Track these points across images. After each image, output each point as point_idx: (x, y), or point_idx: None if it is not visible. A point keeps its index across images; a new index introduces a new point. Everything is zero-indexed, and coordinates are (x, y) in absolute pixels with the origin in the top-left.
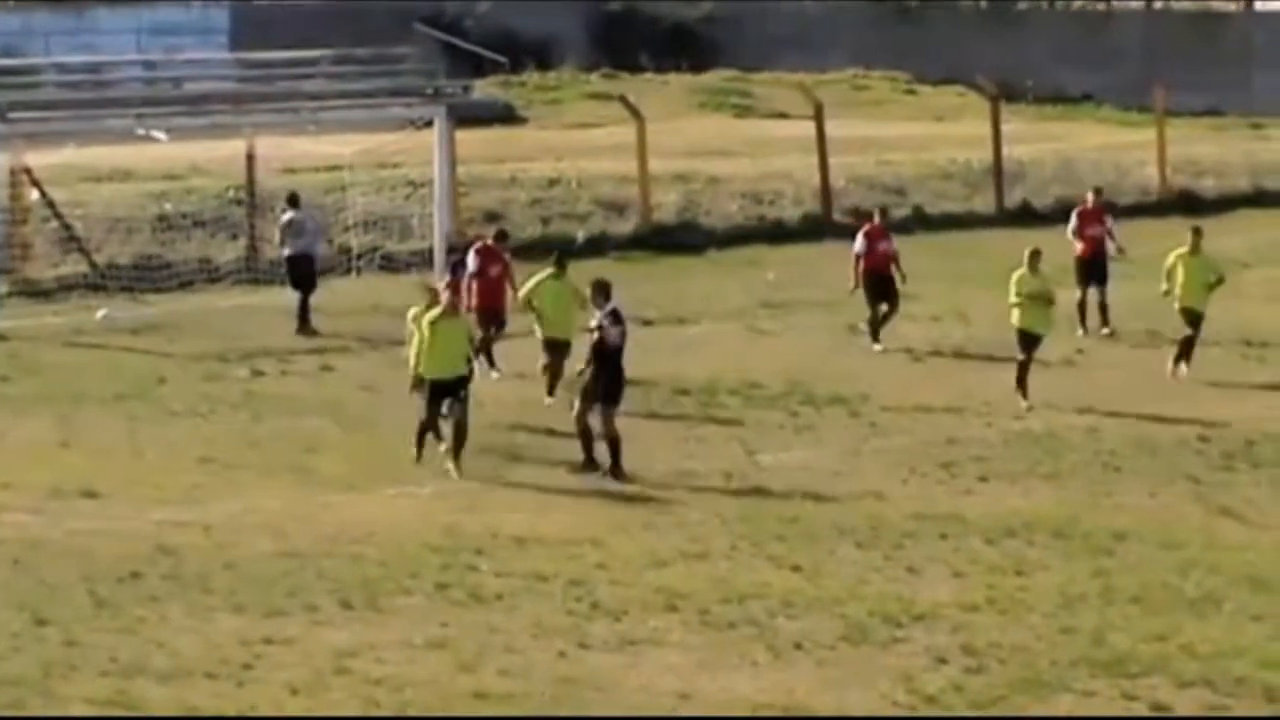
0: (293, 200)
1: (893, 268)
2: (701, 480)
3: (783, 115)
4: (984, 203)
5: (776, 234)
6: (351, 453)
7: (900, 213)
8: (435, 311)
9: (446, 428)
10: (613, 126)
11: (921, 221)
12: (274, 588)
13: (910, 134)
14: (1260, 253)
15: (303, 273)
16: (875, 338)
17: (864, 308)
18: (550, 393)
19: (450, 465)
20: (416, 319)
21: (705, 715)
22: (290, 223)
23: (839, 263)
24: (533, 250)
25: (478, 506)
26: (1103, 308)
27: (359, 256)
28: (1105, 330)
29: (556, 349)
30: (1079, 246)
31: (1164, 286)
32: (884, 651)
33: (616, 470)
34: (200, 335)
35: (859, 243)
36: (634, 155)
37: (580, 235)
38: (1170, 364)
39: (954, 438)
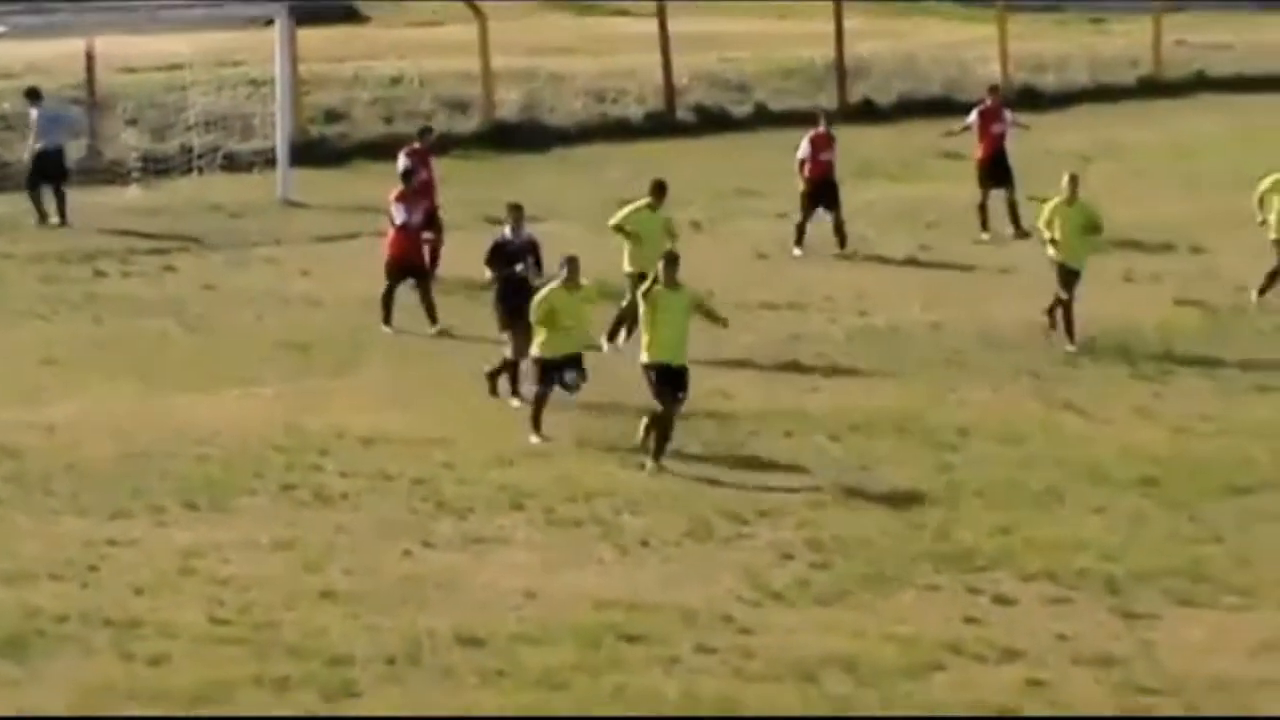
0: (33, 94)
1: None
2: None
3: (625, 12)
4: (826, 99)
5: (620, 132)
6: (195, 353)
7: (743, 110)
8: (552, 286)
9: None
10: (455, 24)
11: (764, 118)
12: (118, 489)
13: (754, 31)
14: (1100, 147)
15: (51, 166)
16: (799, 242)
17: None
18: (613, 338)
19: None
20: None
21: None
22: (39, 117)
23: (683, 160)
24: (375, 148)
25: (322, 407)
26: (1012, 206)
27: (200, 156)
28: (1014, 231)
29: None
30: (980, 147)
31: (1046, 235)
32: (729, 547)
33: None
34: (40, 235)
35: (803, 148)
36: (476, 53)
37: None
38: (1046, 329)
39: (798, 334)
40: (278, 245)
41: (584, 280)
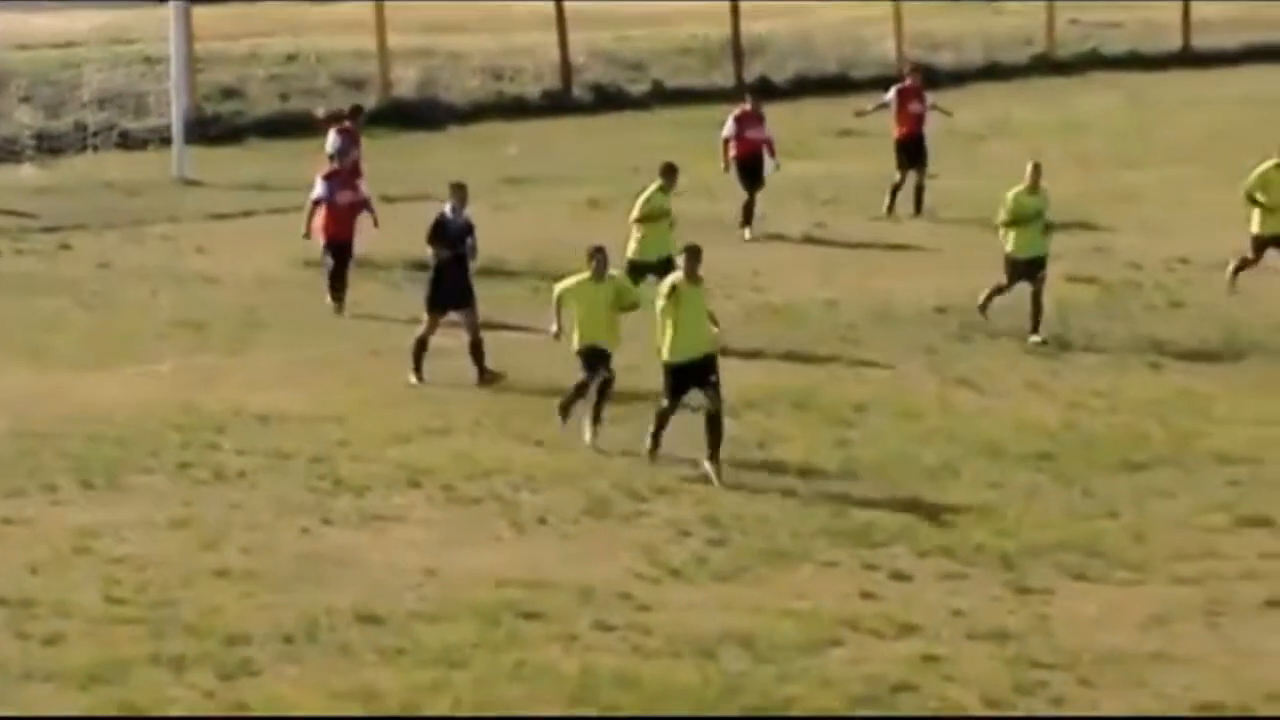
0: None
1: (765, 152)
2: (444, 356)
3: None
4: (723, 77)
5: (517, 110)
6: (90, 332)
7: (639, 88)
8: (581, 276)
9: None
10: (351, 2)
11: (660, 96)
12: (13, 468)
13: (650, 10)
14: (994, 125)
15: None
16: (747, 222)
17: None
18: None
19: (588, 429)
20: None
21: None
22: None
23: (579, 138)
24: (271, 126)
25: (218, 385)
26: (919, 191)
27: (95, 133)
28: (915, 211)
29: (661, 270)
30: (897, 126)
31: (1002, 218)
32: (627, 525)
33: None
34: None
35: (729, 126)
36: (373, 31)
37: (320, 111)
38: (985, 310)
39: None
40: (173, 223)
41: (613, 271)
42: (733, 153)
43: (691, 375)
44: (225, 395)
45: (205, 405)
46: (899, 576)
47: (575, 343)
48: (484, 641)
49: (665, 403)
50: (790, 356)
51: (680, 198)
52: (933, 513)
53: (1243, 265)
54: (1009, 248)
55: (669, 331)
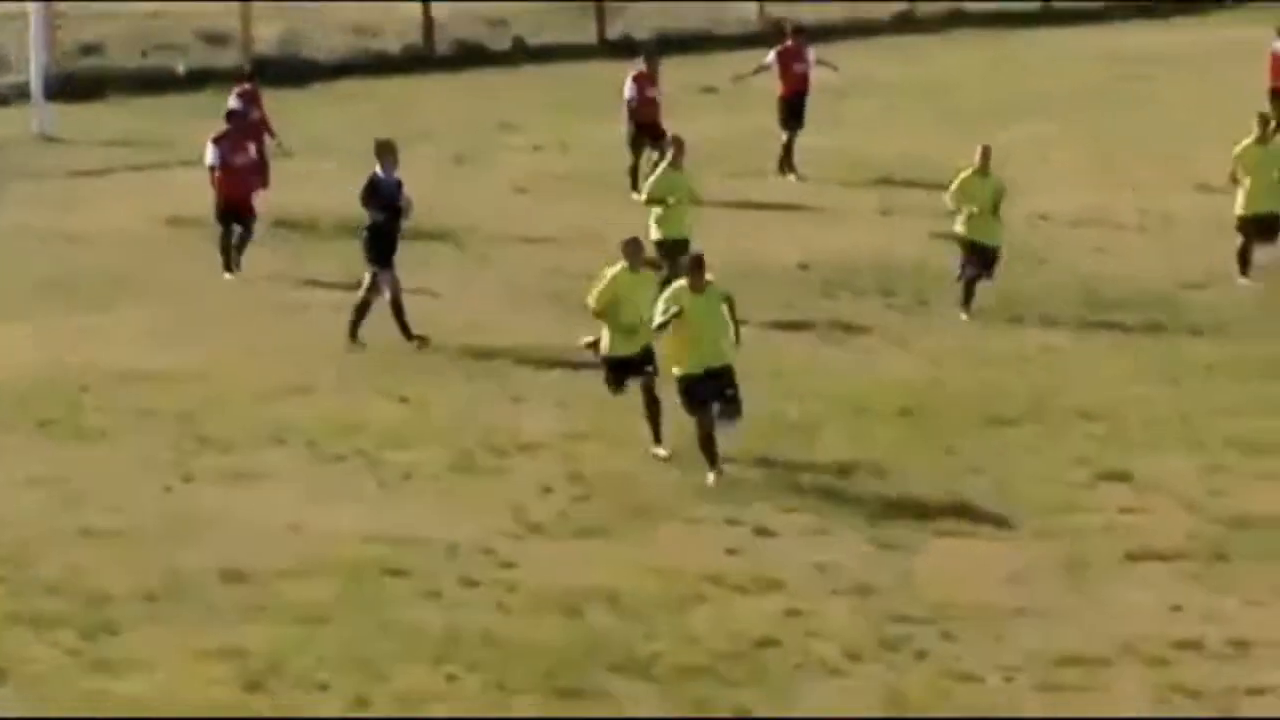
0: None
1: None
2: (310, 313)
3: None
4: (584, 34)
5: (380, 66)
6: None
7: (501, 45)
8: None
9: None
10: None
11: (523, 53)
12: None
13: None
14: (856, 83)
15: None
16: (634, 186)
17: None
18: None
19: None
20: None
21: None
22: None
23: (442, 95)
24: (133, 81)
25: (82, 343)
26: (788, 147)
27: None
28: (778, 169)
29: (674, 251)
30: (782, 85)
31: (951, 207)
32: (492, 481)
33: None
34: None
35: (628, 88)
36: None
37: (180, 68)
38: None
39: (559, 268)
40: (35, 181)
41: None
42: (633, 114)
43: (709, 387)
44: (89, 353)
45: (69, 364)
46: (763, 533)
47: (607, 348)
48: (349, 598)
49: (696, 420)
50: None
51: (539, 153)
52: (797, 469)
53: (1245, 252)
54: (962, 230)
55: (676, 347)
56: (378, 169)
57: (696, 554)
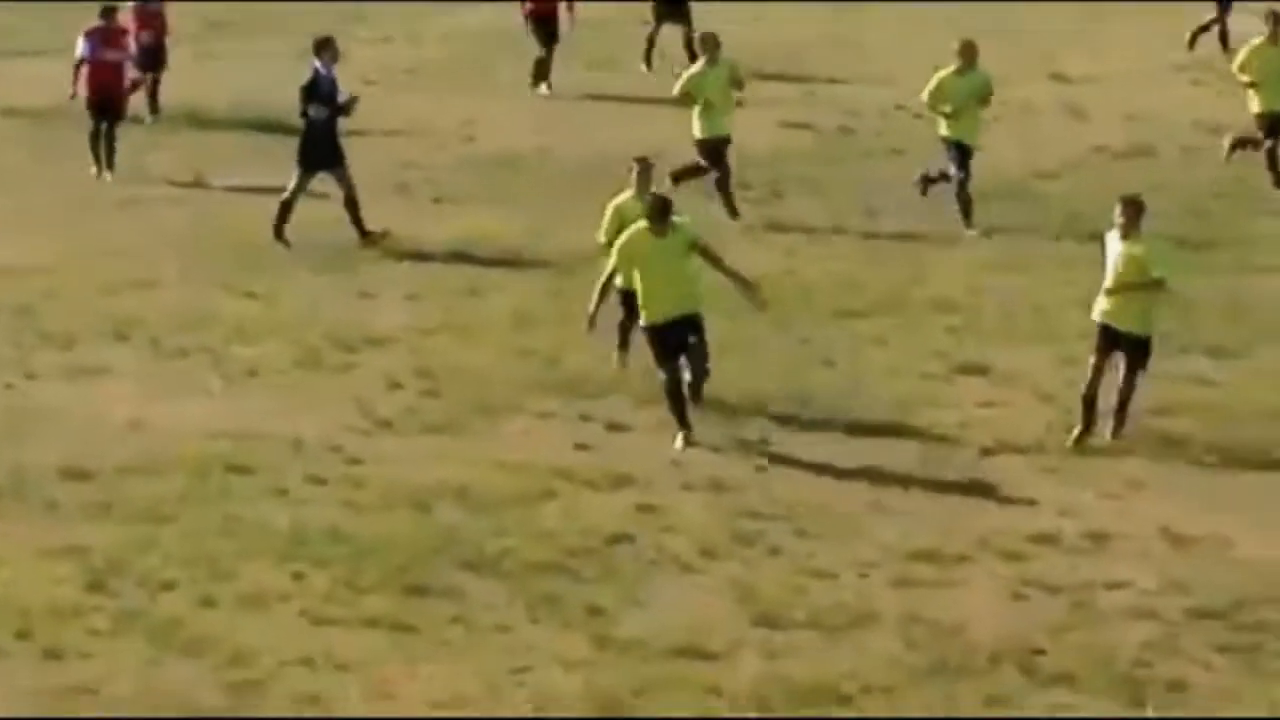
0: None
1: (562, 7)
2: (153, 204)
3: None
4: None
5: None
6: None
7: None
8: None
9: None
10: None
11: None
12: None
13: None
14: None
15: None
16: (537, 82)
17: None
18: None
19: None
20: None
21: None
22: None
23: None
24: None
25: None
26: (651, 40)
27: None
28: (647, 63)
29: (716, 151)
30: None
31: (935, 108)
32: (339, 376)
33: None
34: None
35: None
36: None
37: None
38: (919, 187)
39: (408, 161)
40: None
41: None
42: (530, 10)
43: (675, 337)
44: None
45: None
46: (614, 427)
47: (644, 318)
48: (193, 496)
49: (662, 374)
50: (503, 206)
51: (388, 44)
52: (648, 363)
53: (1243, 144)
54: (946, 131)
55: (640, 291)
56: (317, 64)
57: (547, 449)
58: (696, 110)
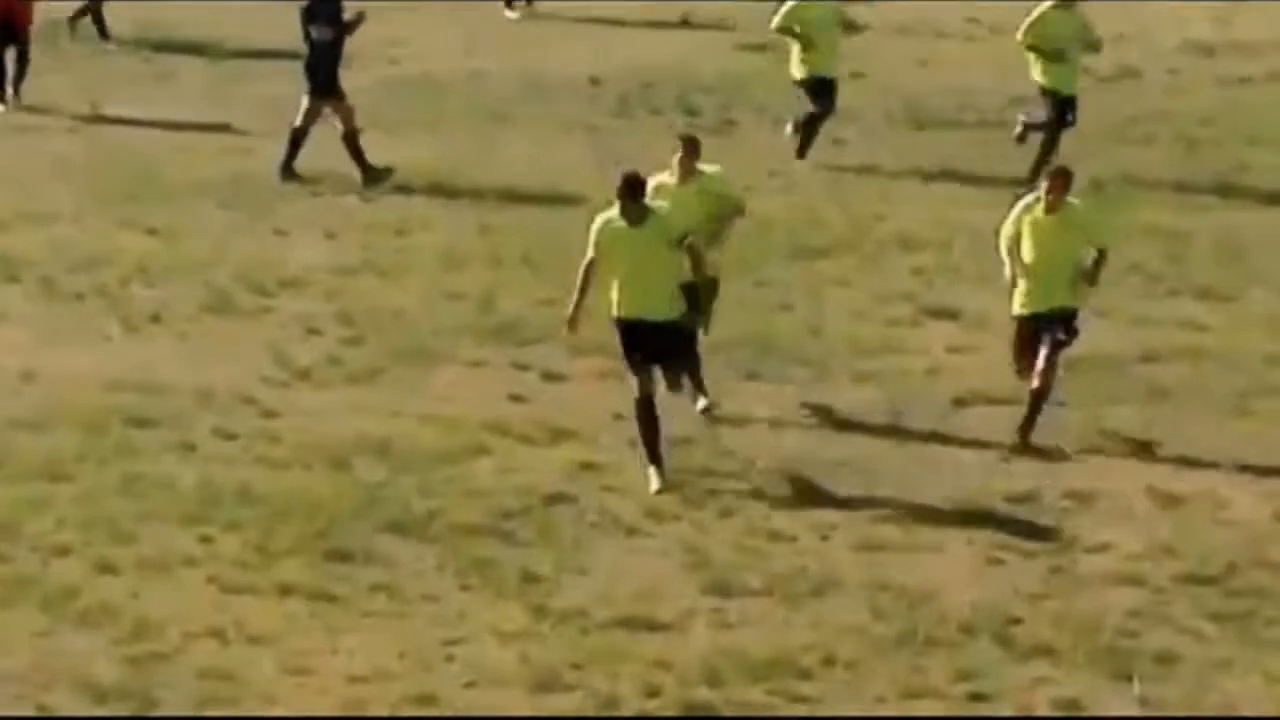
0: None
1: None
2: (45, 133)
3: None
4: None
5: None
6: None
7: None
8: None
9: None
10: None
11: None
12: None
13: None
14: None
15: None
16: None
17: None
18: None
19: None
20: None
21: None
22: None
23: None
24: None
25: None
26: None
27: None
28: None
29: (819, 92)
30: None
31: (1022, 43)
32: (251, 322)
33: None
34: None
35: None
36: None
37: None
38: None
39: None
40: None
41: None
42: None
43: (647, 342)
44: None
45: None
46: (552, 377)
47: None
48: (90, 452)
49: (633, 383)
50: (432, 133)
51: None
52: (589, 306)
53: (1036, 128)
54: (1039, 77)
55: (614, 285)
56: None
57: (479, 401)
58: (795, 48)
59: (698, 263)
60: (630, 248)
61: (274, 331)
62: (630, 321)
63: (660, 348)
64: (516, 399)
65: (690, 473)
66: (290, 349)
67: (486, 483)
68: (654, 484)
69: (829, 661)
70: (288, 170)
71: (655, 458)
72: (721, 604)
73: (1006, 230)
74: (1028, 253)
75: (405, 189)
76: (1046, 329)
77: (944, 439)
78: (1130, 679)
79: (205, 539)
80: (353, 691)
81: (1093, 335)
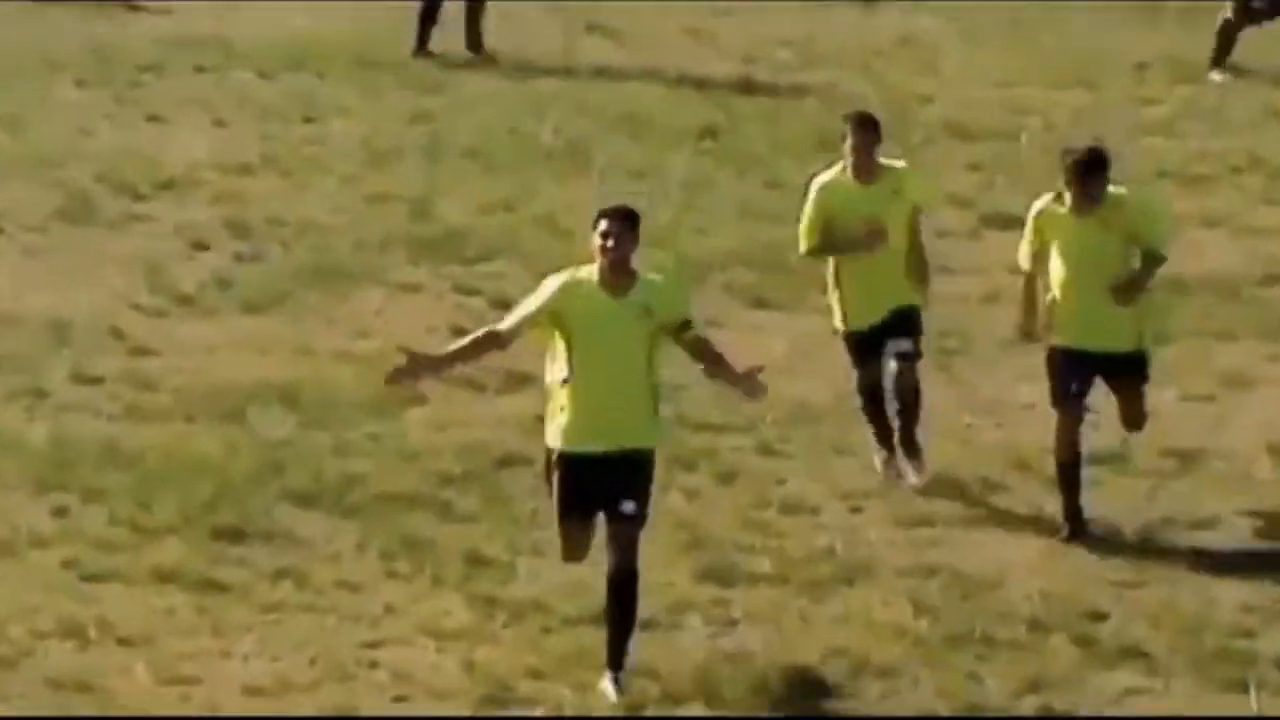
0: None
1: None
2: None
3: None
4: None
5: None
6: None
7: None
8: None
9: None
10: None
11: None
12: None
13: None
14: None
15: None
16: None
17: None
18: None
19: None
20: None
21: None
22: None
23: None
24: None
25: None
26: None
27: None
28: None
29: None
30: None
31: None
32: (118, 234)
33: None
34: None
35: None
36: None
37: None
38: None
39: None
40: None
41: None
42: None
43: (591, 476)
44: None
45: None
46: (505, 304)
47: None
48: None
49: (561, 530)
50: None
51: None
52: (550, 209)
53: None
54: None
55: (568, 381)
56: None
57: (410, 334)
58: None
59: (712, 356)
60: (602, 328)
61: (147, 245)
62: (577, 453)
63: (607, 490)
64: (460, 332)
65: (680, 425)
66: (169, 268)
67: (422, 439)
68: (609, 689)
69: (859, 670)
70: (422, 46)
71: (614, 647)
72: (721, 595)
73: (1024, 248)
74: (1057, 269)
75: (316, 63)
76: (1113, 383)
77: (1004, 382)
78: (1245, 689)
79: (59, 511)
80: (249, 706)
81: (1201, 250)
